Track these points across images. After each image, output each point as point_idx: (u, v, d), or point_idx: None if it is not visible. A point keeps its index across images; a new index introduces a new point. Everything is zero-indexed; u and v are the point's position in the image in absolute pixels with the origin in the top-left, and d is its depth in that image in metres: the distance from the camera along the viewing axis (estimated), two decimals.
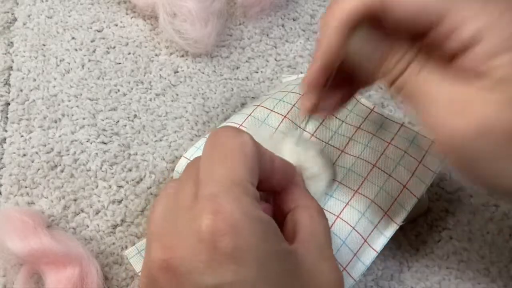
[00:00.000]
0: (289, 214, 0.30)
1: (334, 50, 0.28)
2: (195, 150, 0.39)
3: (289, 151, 0.34)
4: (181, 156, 0.40)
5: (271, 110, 0.39)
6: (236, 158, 0.26)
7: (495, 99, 0.24)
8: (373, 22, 0.27)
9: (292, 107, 0.38)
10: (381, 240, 0.34)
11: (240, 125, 0.38)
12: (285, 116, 0.38)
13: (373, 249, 0.34)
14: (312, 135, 0.37)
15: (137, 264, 0.37)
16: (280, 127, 0.38)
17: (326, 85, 0.31)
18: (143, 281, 0.27)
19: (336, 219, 0.34)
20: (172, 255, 0.25)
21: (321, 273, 0.28)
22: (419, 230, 0.39)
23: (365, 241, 0.34)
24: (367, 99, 0.41)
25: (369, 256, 0.34)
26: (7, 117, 0.44)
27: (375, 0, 0.26)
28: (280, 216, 0.30)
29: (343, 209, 0.34)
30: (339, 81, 0.31)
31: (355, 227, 0.33)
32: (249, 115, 0.39)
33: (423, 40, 0.27)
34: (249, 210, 0.25)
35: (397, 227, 0.34)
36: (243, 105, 0.45)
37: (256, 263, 0.24)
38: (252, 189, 0.26)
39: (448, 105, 0.25)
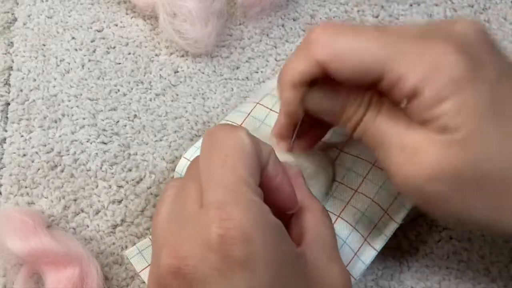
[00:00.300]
0: (294, 216, 0.29)
1: (292, 108, 0.30)
2: (195, 150, 0.39)
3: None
4: (181, 156, 0.40)
5: (270, 109, 0.38)
6: (236, 156, 0.26)
7: (440, 144, 0.25)
8: (326, 77, 0.28)
9: None
10: (380, 239, 0.34)
11: (240, 125, 0.38)
12: None
13: (374, 248, 0.34)
14: None
15: (138, 264, 0.37)
16: None
17: (294, 134, 0.33)
18: (152, 286, 0.27)
19: (336, 218, 0.34)
20: (183, 262, 0.24)
21: (330, 276, 0.28)
22: (419, 230, 0.39)
23: (365, 240, 0.34)
24: None
25: (369, 255, 0.34)
26: (7, 117, 0.44)
27: (315, 67, 0.27)
28: (284, 217, 0.30)
29: (344, 208, 0.34)
30: (309, 125, 0.33)
31: (355, 226, 0.33)
32: (248, 115, 0.39)
33: (374, 88, 0.28)
34: (258, 215, 0.25)
35: (397, 226, 0.34)
36: None
37: (269, 269, 0.24)
38: (255, 187, 0.26)
39: (400, 152, 0.26)
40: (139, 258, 0.37)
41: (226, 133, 0.27)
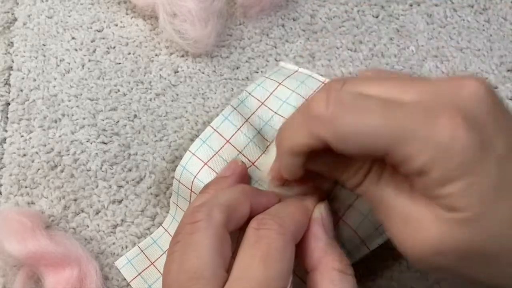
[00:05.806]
0: (309, 275, 0.29)
1: (291, 171, 0.30)
2: (201, 143, 0.38)
3: None
4: (181, 156, 0.40)
5: (275, 113, 0.39)
6: (276, 259, 0.27)
7: (446, 222, 0.25)
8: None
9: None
10: (363, 251, 0.34)
11: (245, 122, 0.38)
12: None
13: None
14: None
15: (128, 274, 0.38)
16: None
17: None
18: None
19: None
20: None
21: None
22: None
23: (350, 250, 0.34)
24: None
25: None
26: (7, 117, 0.44)
27: (316, 142, 0.27)
28: (301, 265, 0.30)
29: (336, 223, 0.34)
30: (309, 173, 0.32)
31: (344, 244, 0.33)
32: (253, 113, 0.39)
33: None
34: None
35: (368, 252, 0.34)
36: None
37: None
38: None
39: (405, 225, 0.26)
40: (129, 268, 0.38)
41: (275, 232, 0.28)
